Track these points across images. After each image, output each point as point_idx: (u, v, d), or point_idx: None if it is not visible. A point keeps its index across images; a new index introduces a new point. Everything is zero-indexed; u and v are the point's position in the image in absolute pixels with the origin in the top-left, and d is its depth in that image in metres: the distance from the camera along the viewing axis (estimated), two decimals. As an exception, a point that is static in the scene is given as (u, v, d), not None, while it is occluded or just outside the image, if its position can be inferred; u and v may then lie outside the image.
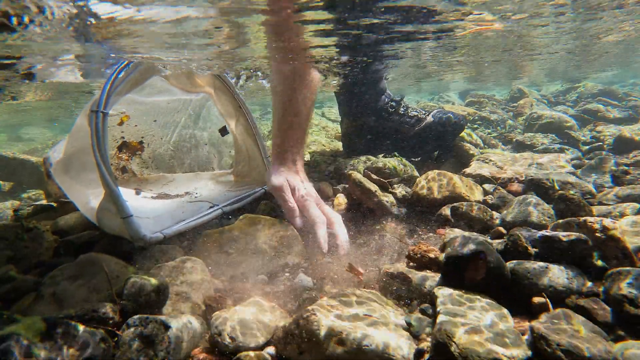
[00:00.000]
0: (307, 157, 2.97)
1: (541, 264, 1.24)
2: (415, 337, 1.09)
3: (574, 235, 1.27)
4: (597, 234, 1.29)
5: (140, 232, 1.47)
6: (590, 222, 1.33)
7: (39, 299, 1.26)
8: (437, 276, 1.32)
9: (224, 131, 2.45)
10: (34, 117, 7.19)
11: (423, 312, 1.21)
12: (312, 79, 1.92)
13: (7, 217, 2.46)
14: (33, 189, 3.42)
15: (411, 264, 1.46)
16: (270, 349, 1.08)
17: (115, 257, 1.41)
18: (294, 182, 1.74)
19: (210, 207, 1.84)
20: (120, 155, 2.47)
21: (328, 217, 1.62)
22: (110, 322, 1.15)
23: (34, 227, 1.77)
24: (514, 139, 3.48)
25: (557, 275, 1.20)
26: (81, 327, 1.05)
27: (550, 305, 1.13)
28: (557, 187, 1.92)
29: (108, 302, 1.20)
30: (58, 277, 1.31)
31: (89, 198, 1.69)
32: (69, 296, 1.25)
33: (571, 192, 1.88)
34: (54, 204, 2.27)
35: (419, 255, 1.43)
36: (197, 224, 1.69)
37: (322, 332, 0.99)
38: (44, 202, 2.62)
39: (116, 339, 1.08)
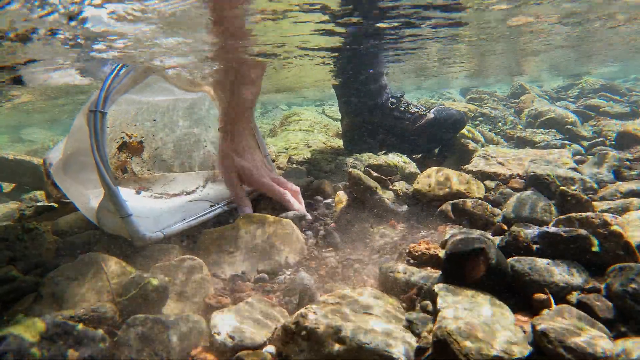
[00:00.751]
0: (308, 155, 2.97)
1: (542, 260, 1.23)
2: (416, 334, 1.08)
3: (575, 231, 1.26)
4: (598, 229, 1.28)
5: (140, 232, 1.46)
6: (591, 217, 1.32)
7: (39, 299, 1.26)
8: (437, 273, 1.32)
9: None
10: (35, 118, 7.19)
11: (423, 309, 1.20)
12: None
13: (8, 218, 2.45)
14: (34, 190, 3.42)
15: (412, 261, 1.46)
16: (270, 348, 1.08)
17: (115, 257, 1.41)
18: (248, 164, 1.82)
19: (210, 207, 1.83)
20: (120, 156, 2.47)
21: (289, 189, 1.88)
22: (110, 322, 1.15)
23: (34, 228, 1.77)
24: (515, 135, 3.47)
25: (559, 271, 1.19)
26: (81, 327, 1.05)
27: (552, 302, 1.12)
28: (558, 183, 1.91)
29: (108, 302, 1.20)
30: (58, 277, 1.31)
31: (88, 198, 1.69)
32: (69, 296, 1.25)
33: (572, 188, 1.87)
34: (55, 205, 2.27)
35: (419, 253, 1.43)
36: (197, 223, 1.69)
37: (322, 330, 0.99)
38: (45, 203, 2.62)
39: (116, 338, 1.08)
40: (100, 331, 1.07)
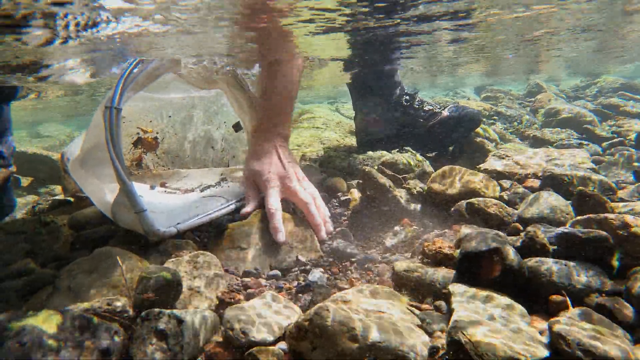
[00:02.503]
0: (321, 152, 2.97)
1: (559, 261, 1.21)
2: (430, 334, 1.07)
3: (593, 232, 1.23)
4: (618, 231, 1.25)
5: (154, 227, 1.48)
6: (610, 219, 1.29)
7: (56, 292, 1.28)
8: (451, 272, 1.30)
9: (237, 127, 2.46)
10: (53, 114, 7.32)
11: (437, 308, 1.19)
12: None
13: (26, 212, 2.50)
14: (51, 184, 3.49)
15: (425, 260, 1.45)
16: (283, 345, 1.08)
17: (130, 252, 1.42)
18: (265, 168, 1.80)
19: (224, 202, 1.84)
20: (134, 151, 2.49)
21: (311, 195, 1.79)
22: (125, 315, 1.16)
23: (50, 222, 1.80)
24: (531, 135, 3.42)
25: (576, 273, 1.17)
26: (96, 320, 1.06)
27: (569, 304, 1.10)
28: (575, 183, 1.88)
29: (123, 296, 1.21)
30: (74, 271, 1.32)
31: (104, 193, 1.71)
32: (85, 289, 1.27)
33: (590, 188, 1.83)
34: (71, 199, 2.31)
35: (433, 251, 1.41)
36: (210, 219, 1.70)
37: (335, 328, 0.98)
38: (61, 197, 2.66)
39: (130, 332, 1.09)
40: (116, 324, 1.08)
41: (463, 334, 0.94)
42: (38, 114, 6.81)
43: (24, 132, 8.65)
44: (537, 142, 3.25)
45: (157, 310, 1.11)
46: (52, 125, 9.00)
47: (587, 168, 2.15)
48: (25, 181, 3.76)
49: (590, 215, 1.38)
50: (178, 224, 1.59)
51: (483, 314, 1.03)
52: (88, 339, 1.02)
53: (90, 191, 1.71)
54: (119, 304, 1.17)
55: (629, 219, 1.26)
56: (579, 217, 1.44)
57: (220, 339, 1.13)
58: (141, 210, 1.47)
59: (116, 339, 1.06)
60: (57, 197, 2.80)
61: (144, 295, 1.18)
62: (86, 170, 1.74)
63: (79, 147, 1.83)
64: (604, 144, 3.02)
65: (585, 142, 3.00)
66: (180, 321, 1.09)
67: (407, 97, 2.68)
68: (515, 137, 3.53)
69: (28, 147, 4.01)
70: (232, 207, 1.81)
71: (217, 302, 1.30)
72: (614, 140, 3.03)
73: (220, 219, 1.78)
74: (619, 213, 1.60)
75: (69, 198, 2.36)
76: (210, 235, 1.71)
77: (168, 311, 1.11)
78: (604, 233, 1.23)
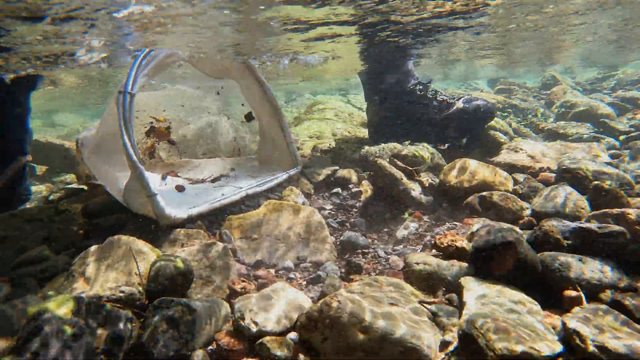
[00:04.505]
0: (333, 143, 2.95)
1: (574, 256, 1.19)
2: (441, 327, 1.07)
3: (609, 227, 1.21)
4: (636, 226, 1.22)
5: (165, 211, 1.49)
6: (628, 214, 1.26)
7: (70, 278, 1.30)
8: (463, 265, 1.29)
9: (249, 117, 2.46)
10: (67, 104, 7.39)
11: (449, 301, 1.18)
12: None
13: (42, 200, 2.54)
14: (64, 173, 3.53)
15: (437, 253, 1.43)
16: (293, 334, 1.08)
17: (142, 240, 1.43)
18: None
19: (235, 190, 1.85)
20: (147, 141, 2.51)
21: None
22: (137, 303, 1.18)
23: (65, 210, 1.82)
24: (546, 128, 3.36)
25: (591, 268, 1.15)
26: (109, 307, 1.07)
27: (584, 299, 1.08)
28: (591, 177, 1.84)
29: (136, 284, 1.22)
30: (88, 259, 1.34)
31: (117, 180, 1.73)
32: (98, 277, 1.28)
33: (607, 182, 1.80)
34: (85, 187, 2.34)
35: (445, 244, 1.40)
36: (221, 205, 1.71)
37: (345, 320, 0.98)
38: (75, 185, 2.69)
39: (142, 319, 1.10)
40: (128, 312, 1.10)
41: (475, 327, 0.93)
42: (53, 102, 6.88)
43: (39, 122, 8.76)
44: (552, 136, 3.19)
45: (169, 298, 1.12)
46: (65, 115, 9.10)
47: (604, 162, 2.11)
48: (39, 170, 3.81)
49: (607, 210, 1.36)
50: (190, 208, 1.60)
51: (495, 308, 1.02)
52: (101, 326, 1.03)
53: (103, 178, 1.73)
54: (131, 291, 1.19)
55: (647, 214, 1.24)
56: (594, 212, 1.41)
57: (231, 328, 1.14)
58: (152, 195, 1.49)
59: (129, 325, 1.07)
60: (70, 186, 2.83)
61: (156, 284, 1.20)
62: (100, 157, 1.76)
63: (93, 134, 1.84)
64: (622, 138, 2.95)
65: (602, 136, 2.94)
66: (191, 310, 1.10)
67: (421, 87, 2.64)
68: (529, 130, 3.48)
69: (42, 136, 4.06)
70: (244, 194, 1.82)
71: (229, 292, 1.30)
72: (633, 133, 2.97)
73: (231, 208, 1.79)
74: (637, 208, 1.57)
75: (82, 186, 2.38)
76: (221, 224, 1.72)
77: (179, 300, 1.12)
78: (621, 228, 1.21)
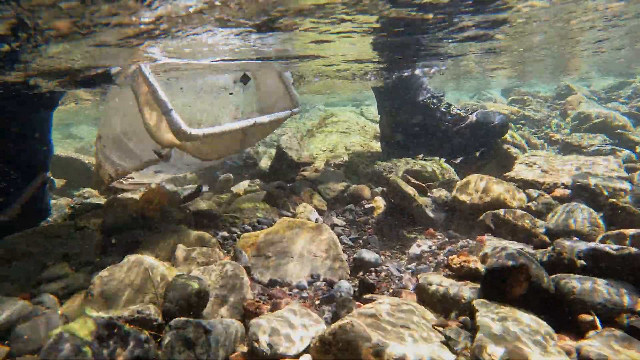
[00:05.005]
0: (346, 157, 2.97)
1: (588, 278, 1.18)
2: (454, 351, 1.07)
3: (626, 249, 1.20)
4: (652, 248, 1.21)
5: (181, 125, 1.53)
6: (644, 235, 1.25)
7: (90, 297, 1.33)
8: (476, 287, 1.29)
9: (245, 79, 2.50)
10: (84, 117, 7.56)
11: (462, 324, 1.18)
12: None
13: (61, 215, 2.60)
14: (82, 188, 3.61)
15: (450, 273, 1.43)
16: (307, 357, 1.09)
17: (158, 260, 1.47)
18: None
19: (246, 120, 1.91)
20: None
21: None
22: (155, 323, 1.20)
23: (84, 227, 1.87)
24: (560, 140, 3.33)
25: (606, 291, 1.14)
26: (128, 328, 1.10)
27: (599, 324, 1.07)
28: (606, 194, 1.83)
29: (152, 304, 1.25)
30: (106, 277, 1.37)
31: (134, 154, 1.84)
32: (116, 296, 1.31)
33: (623, 199, 1.78)
34: (101, 203, 2.39)
35: (458, 265, 1.40)
36: (232, 128, 1.75)
37: (359, 344, 0.99)
38: (95, 200, 2.75)
39: (159, 340, 1.12)
40: (146, 332, 1.12)
41: (488, 354, 0.93)
42: (71, 116, 7.06)
43: (58, 134, 8.97)
44: (567, 148, 3.17)
45: (184, 319, 1.14)
46: (82, 127, 9.31)
47: (619, 177, 2.09)
48: (58, 183, 3.90)
49: (623, 230, 1.35)
50: (201, 128, 1.65)
51: (508, 333, 1.02)
52: (119, 347, 1.06)
53: (124, 159, 1.82)
54: (148, 312, 1.21)
55: (664, 235, 1.22)
56: (609, 232, 1.40)
57: (246, 350, 1.15)
58: (168, 110, 1.54)
59: (146, 346, 1.10)
60: (88, 200, 2.90)
61: (172, 304, 1.22)
62: (118, 147, 1.87)
63: (109, 129, 1.96)
64: (638, 149, 2.92)
65: (618, 149, 2.91)
66: (207, 331, 1.12)
67: (434, 100, 2.65)
68: (543, 143, 3.45)
69: (61, 149, 4.16)
70: (252, 121, 1.86)
71: (243, 312, 1.32)
72: (649, 146, 2.93)
73: (246, 228, 1.82)
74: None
75: (99, 202, 2.44)
76: (236, 242, 1.74)
77: (195, 320, 1.14)
78: (638, 250, 1.20)
